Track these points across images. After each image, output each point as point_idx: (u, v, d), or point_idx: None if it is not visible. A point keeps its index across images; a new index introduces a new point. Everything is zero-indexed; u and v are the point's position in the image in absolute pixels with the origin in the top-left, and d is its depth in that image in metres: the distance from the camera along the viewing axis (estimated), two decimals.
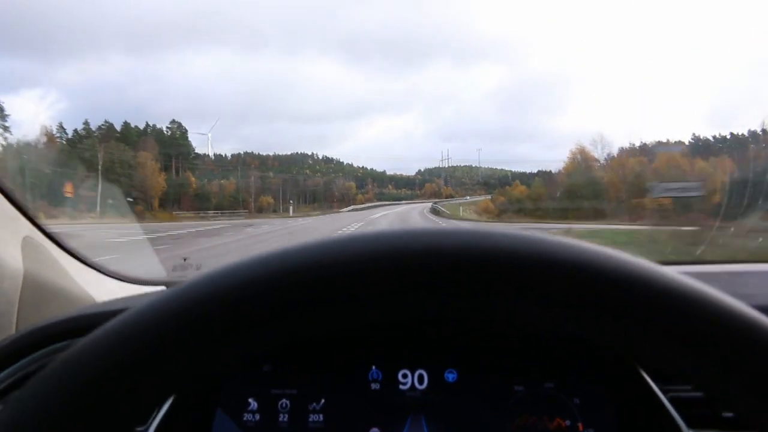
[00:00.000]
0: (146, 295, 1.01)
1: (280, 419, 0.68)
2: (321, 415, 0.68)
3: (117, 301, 0.91)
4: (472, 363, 0.69)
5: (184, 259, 1.61)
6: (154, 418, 0.64)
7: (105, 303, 0.91)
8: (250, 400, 0.69)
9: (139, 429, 0.63)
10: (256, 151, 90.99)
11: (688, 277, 0.29)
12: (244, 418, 0.68)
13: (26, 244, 0.89)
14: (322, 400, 0.68)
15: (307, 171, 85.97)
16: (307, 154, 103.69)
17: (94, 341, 0.29)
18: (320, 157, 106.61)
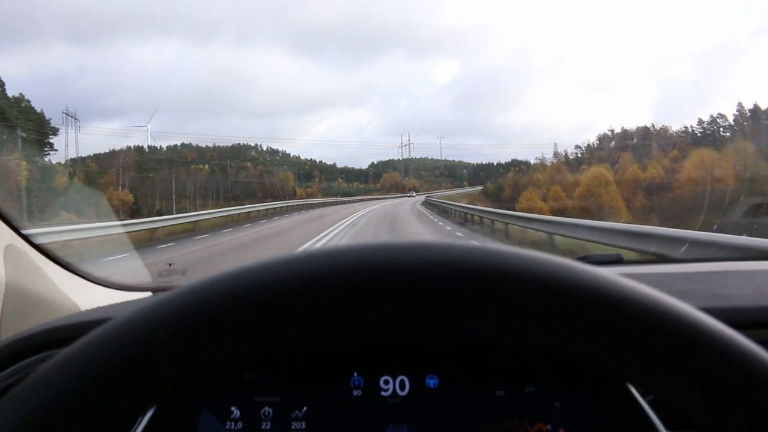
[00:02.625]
0: (131, 303, 1.04)
1: (263, 427, 0.73)
2: (303, 423, 0.72)
3: (101, 309, 0.95)
4: (453, 368, 0.74)
5: (170, 265, 1.64)
6: (137, 428, 0.68)
7: (89, 311, 0.95)
8: (233, 408, 0.74)
9: None
10: (195, 144, 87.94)
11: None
12: (227, 427, 0.73)
13: (8, 252, 0.93)
14: (304, 408, 0.73)
15: (248, 163, 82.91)
16: (250, 146, 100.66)
17: (74, 353, 0.31)
18: (264, 149, 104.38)
